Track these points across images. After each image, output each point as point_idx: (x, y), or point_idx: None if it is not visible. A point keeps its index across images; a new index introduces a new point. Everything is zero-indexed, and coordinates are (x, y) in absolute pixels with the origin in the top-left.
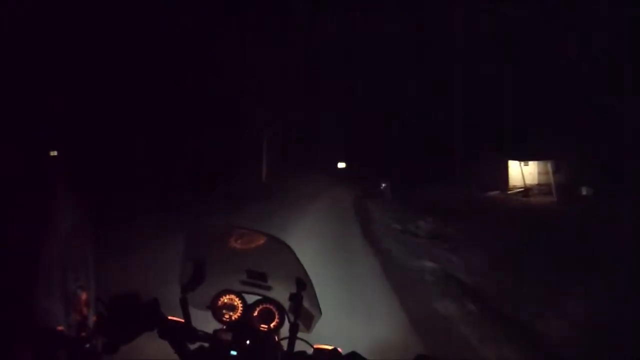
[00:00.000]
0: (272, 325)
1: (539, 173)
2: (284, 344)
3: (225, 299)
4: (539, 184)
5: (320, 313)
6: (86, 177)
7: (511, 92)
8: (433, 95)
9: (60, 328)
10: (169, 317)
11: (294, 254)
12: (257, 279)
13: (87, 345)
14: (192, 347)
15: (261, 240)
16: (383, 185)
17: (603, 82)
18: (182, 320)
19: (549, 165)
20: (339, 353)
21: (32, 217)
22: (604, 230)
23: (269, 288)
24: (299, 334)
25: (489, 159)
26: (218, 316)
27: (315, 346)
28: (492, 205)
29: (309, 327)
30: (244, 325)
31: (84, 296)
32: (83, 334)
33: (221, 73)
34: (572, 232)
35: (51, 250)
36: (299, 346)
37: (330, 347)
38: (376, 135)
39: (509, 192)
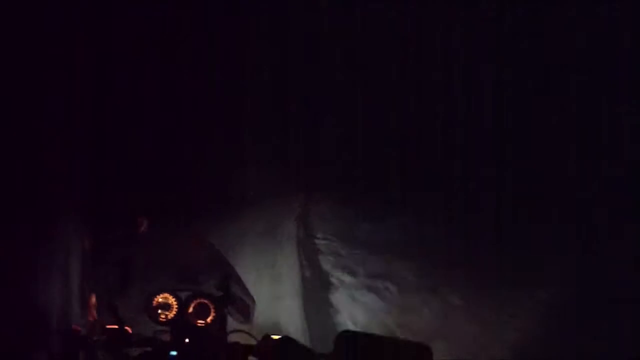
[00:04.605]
0: (208, 319)
1: None
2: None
3: (159, 298)
4: None
5: (254, 302)
6: (89, 181)
7: None
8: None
9: (76, 327)
10: (106, 327)
11: (217, 249)
12: (188, 275)
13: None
14: (134, 353)
15: (186, 239)
16: None
17: None
18: (116, 327)
19: None
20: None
21: (51, 225)
22: None
23: (200, 283)
24: (243, 327)
25: None
26: (154, 317)
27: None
28: None
29: (247, 317)
30: (181, 324)
31: (93, 300)
32: (95, 336)
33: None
34: None
35: (69, 257)
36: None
37: (276, 337)
38: None
39: None
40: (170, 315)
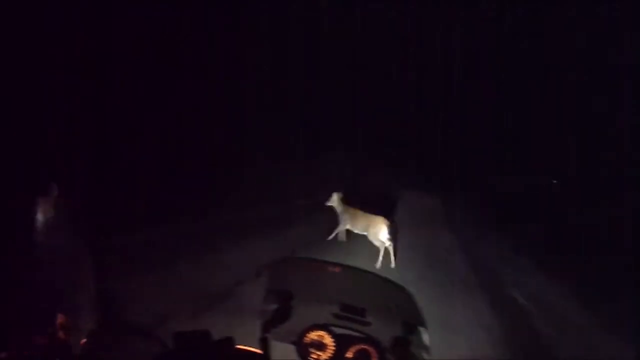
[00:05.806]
0: None
1: None
2: None
3: (313, 335)
4: None
5: (430, 355)
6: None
7: None
8: None
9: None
10: (247, 349)
11: (411, 297)
12: (354, 313)
13: None
14: None
15: (365, 278)
16: None
17: None
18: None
19: None
20: None
21: (46, 241)
22: None
23: (367, 324)
24: None
25: None
26: (304, 354)
27: None
28: None
29: None
30: None
31: (61, 319)
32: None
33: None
34: None
35: (59, 272)
36: None
37: None
38: None
39: None
40: (324, 357)
